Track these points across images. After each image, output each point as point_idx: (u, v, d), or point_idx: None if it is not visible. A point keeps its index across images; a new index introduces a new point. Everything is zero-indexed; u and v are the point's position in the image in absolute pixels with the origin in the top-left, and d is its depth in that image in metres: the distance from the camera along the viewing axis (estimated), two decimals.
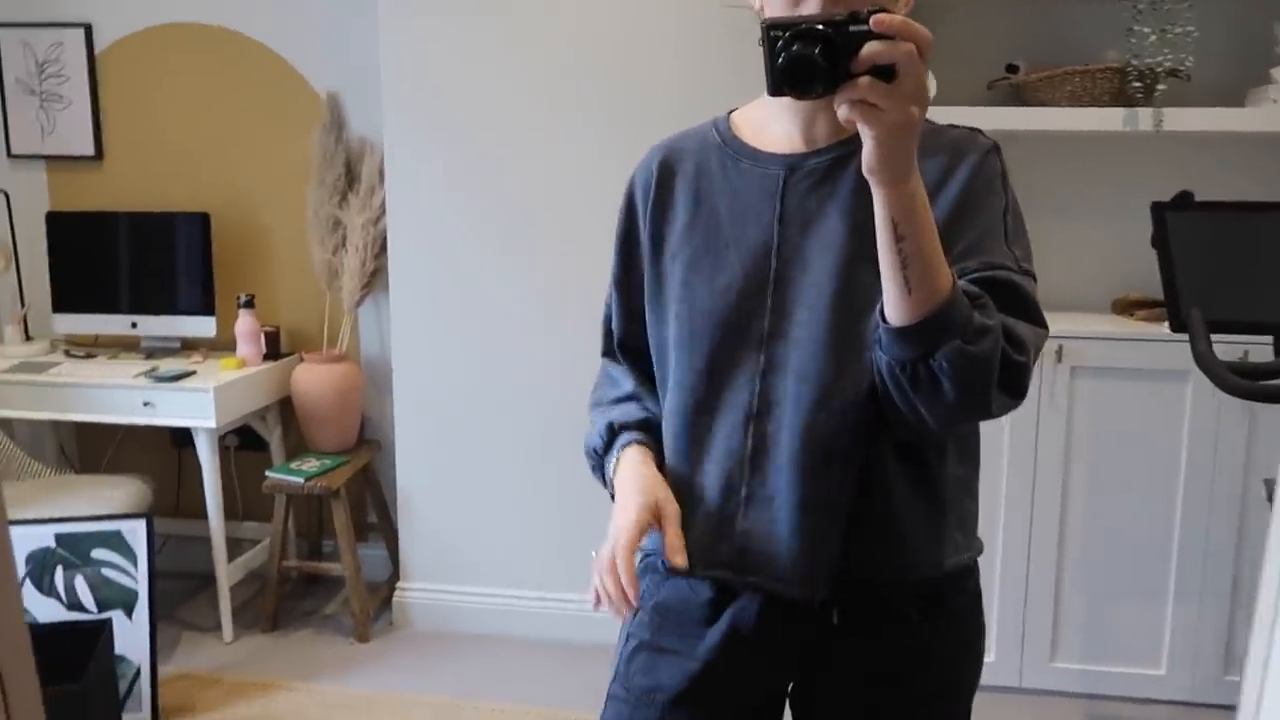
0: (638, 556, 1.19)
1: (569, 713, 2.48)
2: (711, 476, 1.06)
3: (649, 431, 1.13)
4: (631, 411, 1.15)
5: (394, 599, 2.99)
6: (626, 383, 1.19)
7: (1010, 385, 0.94)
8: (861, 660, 1.07)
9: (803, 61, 0.83)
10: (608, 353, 1.24)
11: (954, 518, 1.07)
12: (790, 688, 1.14)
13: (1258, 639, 0.47)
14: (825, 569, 1.02)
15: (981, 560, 1.13)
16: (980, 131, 1.06)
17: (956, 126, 1.06)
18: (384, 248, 2.93)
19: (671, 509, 1.04)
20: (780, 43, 0.84)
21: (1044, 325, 0.99)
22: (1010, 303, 0.95)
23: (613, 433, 1.13)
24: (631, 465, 1.08)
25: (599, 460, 1.14)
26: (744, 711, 1.12)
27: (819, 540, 1.02)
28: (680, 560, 1.01)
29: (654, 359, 1.14)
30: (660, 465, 1.10)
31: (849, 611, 1.05)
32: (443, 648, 2.86)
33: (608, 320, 1.22)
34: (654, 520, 1.03)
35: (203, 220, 3.03)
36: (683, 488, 1.07)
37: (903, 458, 1.02)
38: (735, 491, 1.05)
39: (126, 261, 3.10)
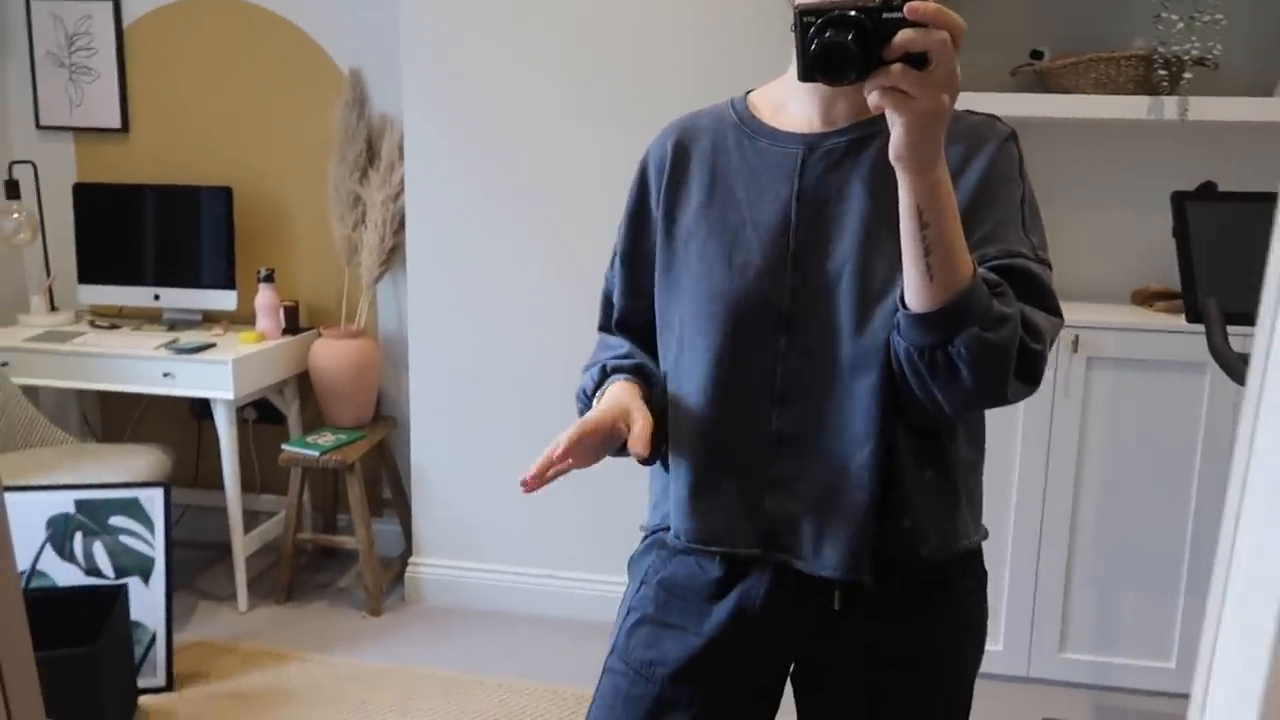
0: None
1: (576, 689, 2.51)
2: (735, 456, 1.06)
3: (643, 376, 1.12)
4: (627, 358, 1.14)
5: (406, 574, 3.02)
6: (623, 347, 1.18)
7: (1026, 373, 0.94)
8: (866, 640, 1.07)
9: (836, 48, 0.83)
10: (604, 328, 1.23)
11: (965, 499, 1.08)
12: (793, 666, 1.14)
13: (1208, 628, 0.47)
14: (854, 547, 1.02)
15: (992, 549, 1.13)
16: (998, 118, 1.05)
17: (974, 113, 1.05)
18: (403, 224, 2.94)
19: (642, 413, 1.03)
20: (813, 29, 0.84)
21: (1059, 314, 0.99)
22: (1027, 291, 0.96)
23: (604, 374, 1.13)
24: (612, 391, 1.08)
25: (588, 403, 1.13)
26: (744, 689, 1.13)
27: (846, 519, 1.02)
28: (640, 448, 1.00)
29: (661, 339, 1.13)
30: (648, 404, 1.09)
31: (855, 592, 1.05)
32: (453, 623, 2.89)
33: (608, 295, 1.21)
34: (621, 421, 1.03)
35: (226, 194, 3.06)
36: (705, 467, 1.07)
37: (916, 440, 1.02)
38: (761, 472, 1.05)
39: (151, 234, 3.14)
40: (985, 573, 1.13)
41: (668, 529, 1.12)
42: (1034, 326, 0.94)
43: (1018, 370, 0.93)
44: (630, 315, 1.18)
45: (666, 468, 1.13)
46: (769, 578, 1.07)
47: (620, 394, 1.08)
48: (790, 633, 1.09)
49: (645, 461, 1.07)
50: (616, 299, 1.19)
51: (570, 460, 1.00)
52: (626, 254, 1.16)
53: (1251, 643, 0.41)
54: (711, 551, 1.08)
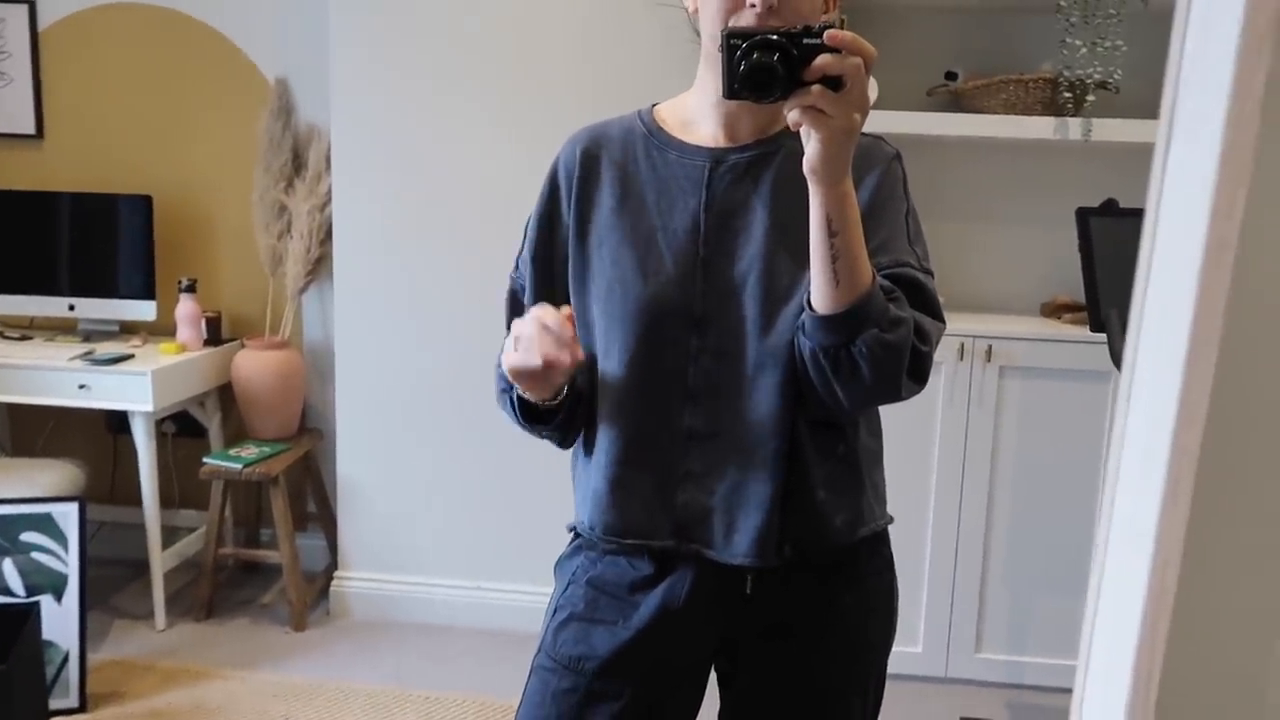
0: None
1: (504, 700, 2.50)
2: (649, 453, 1.10)
3: None
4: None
5: (332, 588, 2.98)
6: None
7: (916, 372, 1.03)
8: (778, 619, 1.13)
9: (763, 69, 0.90)
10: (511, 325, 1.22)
11: (869, 486, 1.15)
12: (715, 653, 1.18)
13: (1087, 621, 0.52)
14: (762, 535, 1.07)
15: (911, 555, 1.20)
16: (883, 139, 1.13)
17: (863, 134, 1.11)
18: (329, 234, 2.92)
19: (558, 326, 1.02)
20: (740, 51, 0.91)
21: (943, 319, 1.08)
22: (915, 298, 1.04)
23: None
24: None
25: (507, 386, 1.13)
26: (670, 679, 1.16)
27: (754, 509, 1.07)
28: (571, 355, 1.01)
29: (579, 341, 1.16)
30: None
31: (766, 574, 1.10)
32: (379, 637, 2.86)
33: (514, 294, 1.21)
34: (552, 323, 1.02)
35: (145, 202, 3.00)
36: (621, 463, 1.11)
37: (821, 433, 1.09)
38: (675, 468, 1.10)
39: (66, 242, 3.05)
40: (891, 555, 1.20)
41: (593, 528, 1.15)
42: (922, 330, 1.02)
43: (909, 369, 1.01)
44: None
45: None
46: (693, 574, 1.11)
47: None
48: (712, 622, 1.14)
49: (563, 444, 1.13)
50: (528, 296, 1.19)
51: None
52: (536, 253, 1.18)
53: (1127, 596, 0.45)
54: (626, 544, 1.12)
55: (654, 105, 1.18)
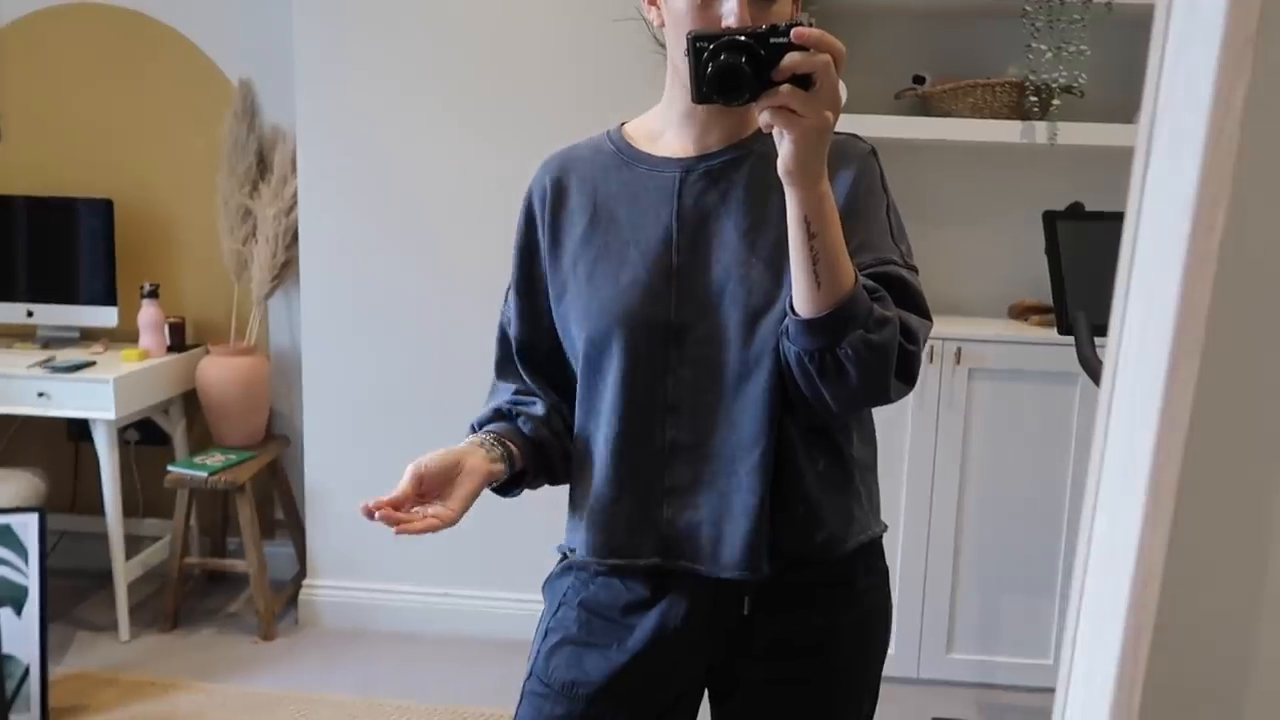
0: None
1: (475, 709, 2.48)
2: (633, 468, 1.09)
3: (498, 417, 1.15)
4: (498, 416, 1.16)
5: (300, 597, 2.95)
6: (502, 396, 1.19)
7: (904, 372, 1.01)
8: (775, 637, 1.11)
9: (730, 71, 0.89)
10: (501, 369, 1.22)
11: (863, 495, 1.13)
12: (710, 674, 1.17)
13: (1073, 599, 0.52)
14: (751, 546, 1.05)
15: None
16: (858, 136, 1.11)
17: (836, 133, 1.11)
18: (295, 239, 2.88)
19: (467, 481, 1.06)
20: (707, 53, 0.90)
21: (929, 317, 1.05)
22: (900, 296, 1.02)
23: (471, 431, 1.15)
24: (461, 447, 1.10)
25: None
26: (665, 702, 1.15)
27: (740, 521, 1.05)
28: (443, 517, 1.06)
29: (569, 363, 1.15)
30: (513, 441, 1.12)
31: (764, 592, 1.08)
32: (349, 646, 2.83)
33: (503, 330, 1.21)
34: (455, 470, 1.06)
35: (106, 206, 2.95)
36: (605, 481, 1.10)
37: (812, 441, 1.07)
38: (658, 483, 1.08)
39: (23, 247, 2.99)
40: (886, 568, 1.18)
41: None
42: (909, 329, 1.00)
43: (897, 370, 0.99)
44: (532, 343, 1.18)
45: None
46: (688, 593, 1.09)
47: (464, 449, 1.08)
48: (708, 642, 1.12)
49: (553, 483, 1.13)
50: (514, 330, 1.18)
51: (432, 510, 1.05)
52: (519, 285, 1.18)
53: (1110, 606, 0.45)
54: (611, 564, 1.11)
55: (622, 124, 1.17)
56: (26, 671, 2.36)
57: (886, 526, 1.18)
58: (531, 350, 1.18)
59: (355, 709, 2.50)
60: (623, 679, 1.11)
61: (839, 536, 1.10)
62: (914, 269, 1.06)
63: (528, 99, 2.68)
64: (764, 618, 1.10)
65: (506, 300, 1.20)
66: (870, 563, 1.15)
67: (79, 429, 2.97)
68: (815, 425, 1.07)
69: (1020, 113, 2.55)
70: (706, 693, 1.19)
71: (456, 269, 2.76)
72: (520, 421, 1.14)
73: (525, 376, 1.18)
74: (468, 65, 2.70)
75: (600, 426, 1.10)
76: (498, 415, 1.16)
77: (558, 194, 1.14)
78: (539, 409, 1.16)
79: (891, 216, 1.08)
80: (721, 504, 1.06)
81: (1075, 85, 2.50)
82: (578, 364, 1.12)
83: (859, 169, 1.07)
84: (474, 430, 1.15)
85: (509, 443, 1.11)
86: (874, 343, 0.96)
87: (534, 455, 1.13)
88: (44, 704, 2.37)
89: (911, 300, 1.03)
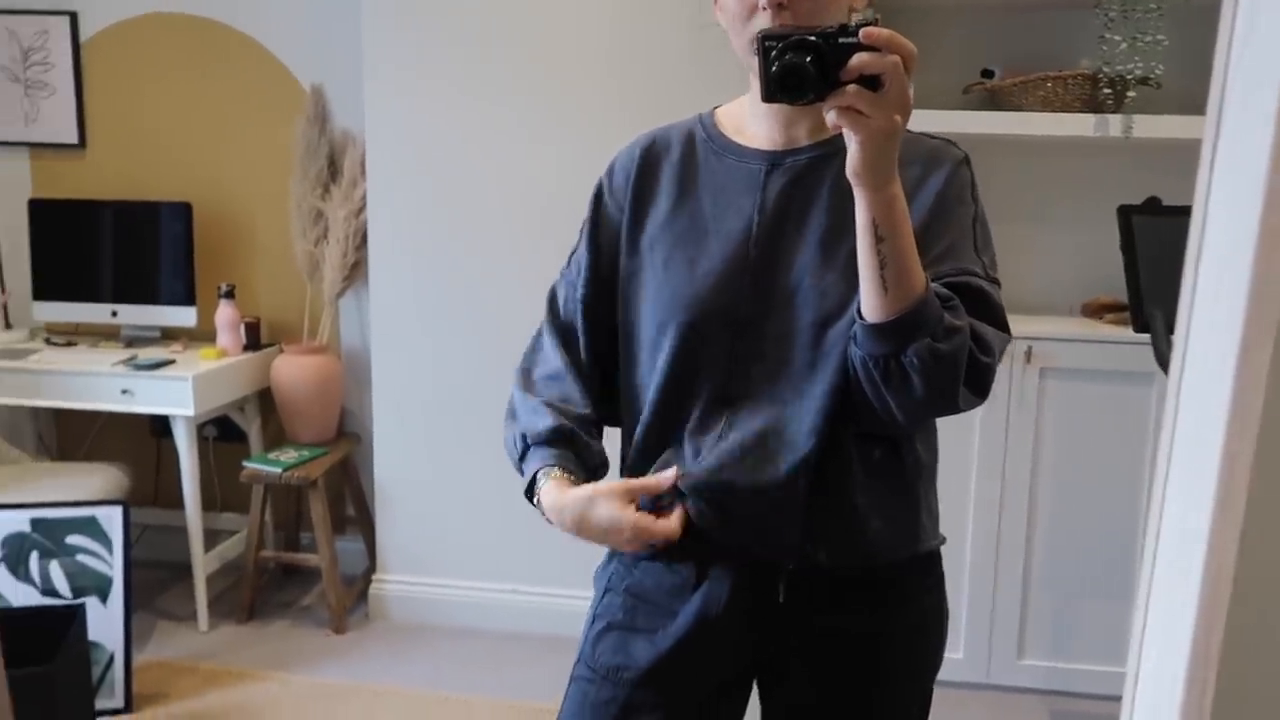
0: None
1: (540, 705, 2.50)
2: (688, 456, 1.09)
3: (560, 441, 1.14)
4: (542, 419, 1.15)
5: (370, 591, 3.01)
6: (554, 360, 1.19)
7: (976, 384, 0.99)
8: (824, 635, 1.10)
9: (795, 70, 0.88)
10: (552, 324, 1.22)
11: (922, 503, 1.12)
12: (757, 663, 1.16)
13: (1140, 596, 0.51)
14: (795, 545, 1.05)
15: (950, 557, 1.17)
16: (953, 143, 1.10)
17: (933, 137, 1.10)
18: (365, 240, 2.95)
19: (620, 485, 1.08)
20: (774, 52, 0.90)
21: (1008, 330, 1.03)
22: (978, 307, 1.00)
23: (525, 444, 1.16)
24: (557, 497, 1.10)
25: (517, 464, 1.18)
26: (708, 689, 1.15)
27: (787, 519, 1.05)
28: (671, 477, 1.06)
29: (623, 344, 1.16)
30: (574, 473, 1.13)
31: (811, 586, 1.08)
32: (417, 640, 2.88)
33: (555, 291, 1.22)
34: (623, 495, 1.06)
35: (185, 210, 3.04)
36: (659, 466, 1.10)
37: (874, 447, 1.06)
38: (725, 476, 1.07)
39: (109, 250, 3.11)
40: (943, 574, 1.17)
41: None
42: (984, 340, 0.98)
43: (967, 381, 0.97)
44: (596, 302, 1.17)
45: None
46: (730, 583, 1.09)
47: (573, 502, 1.09)
48: (752, 631, 1.12)
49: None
50: (581, 289, 1.18)
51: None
52: (593, 245, 1.17)
53: (1180, 604, 0.44)
54: (674, 551, 1.10)
55: (715, 108, 1.17)
56: (111, 659, 2.45)
57: (945, 539, 1.17)
58: (594, 309, 1.17)
59: (422, 702, 2.54)
60: (667, 664, 1.11)
61: (893, 543, 1.08)
62: (996, 281, 1.04)
63: (593, 100, 2.70)
64: (810, 615, 1.09)
65: (569, 264, 1.21)
66: (926, 566, 1.14)
67: (160, 425, 3.08)
68: (878, 432, 1.05)
69: (1093, 106, 2.48)
70: (756, 686, 1.18)
71: (522, 269, 2.79)
72: (581, 448, 1.15)
73: (581, 343, 1.18)
74: (533, 68, 2.72)
75: (658, 412, 1.11)
76: (559, 439, 1.14)
77: (645, 171, 1.15)
78: (587, 412, 1.16)
79: (977, 227, 1.06)
80: (772, 499, 1.05)
81: (1152, 76, 2.42)
82: (634, 344, 1.13)
83: (948, 176, 1.06)
84: (527, 441, 1.15)
85: (574, 471, 1.13)
86: (941, 352, 0.94)
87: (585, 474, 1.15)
88: (128, 690, 2.46)
89: (990, 312, 1.01)
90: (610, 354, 1.17)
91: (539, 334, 1.24)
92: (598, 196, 1.19)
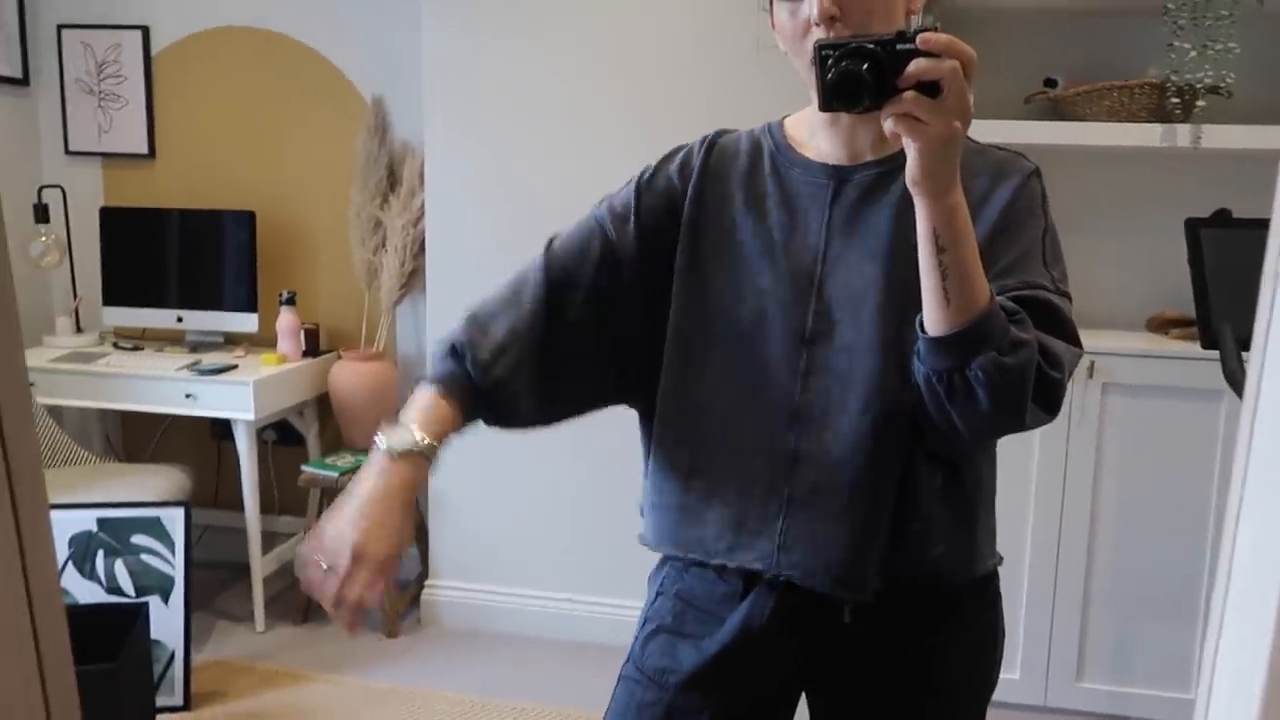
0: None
1: (588, 713, 2.50)
2: (750, 472, 1.07)
3: (458, 395, 1.07)
4: (457, 368, 1.08)
5: (423, 597, 3.04)
6: (527, 296, 1.13)
7: (1045, 400, 0.96)
8: (876, 653, 1.09)
9: (850, 77, 0.88)
10: (548, 254, 1.18)
11: (981, 525, 1.10)
12: (805, 677, 1.15)
13: (1211, 626, 0.49)
14: (866, 569, 1.04)
15: (1008, 576, 1.14)
16: (1023, 155, 1.08)
17: (1002, 148, 1.08)
18: (422, 249, 2.99)
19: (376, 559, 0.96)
20: (830, 60, 0.89)
21: (1079, 344, 1.01)
22: (1047, 322, 0.98)
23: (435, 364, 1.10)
24: (383, 479, 1.01)
25: (434, 366, 1.10)
26: (753, 699, 1.14)
27: (859, 540, 1.03)
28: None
29: (673, 347, 1.12)
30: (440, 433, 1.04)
31: (866, 609, 1.06)
32: (469, 646, 2.90)
33: (557, 239, 1.18)
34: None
35: (249, 218, 3.11)
36: (717, 481, 1.09)
37: (936, 465, 1.04)
38: (777, 490, 1.06)
39: (175, 257, 3.19)
40: (999, 592, 1.14)
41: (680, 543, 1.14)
42: (1053, 355, 0.96)
43: (1036, 397, 0.95)
44: (572, 269, 1.14)
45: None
46: (776, 594, 1.08)
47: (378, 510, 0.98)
48: (800, 644, 1.10)
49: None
50: (574, 251, 1.15)
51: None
52: (640, 217, 1.12)
53: (1254, 631, 0.42)
54: (713, 566, 1.10)
55: (784, 118, 1.16)
56: (172, 657, 2.51)
57: (1002, 559, 1.14)
58: (565, 271, 1.13)
59: (471, 708, 2.56)
60: (711, 671, 1.10)
61: (953, 565, 1.06)
62: (1066, 295, 1.02)
63: (652, 115, 2.71)
64: (864, 630, 1.08)
65: (601, 206, 1.17)
66: (981, 586, 1.12)
67: (222, 428, 3.14)
68: (941, 452, 1.03)
69: (1161, 115, 2.42)
70: (806, 699, 1.17)
71: None
72: (479, 378, 1.08)
73: (556, 277, 1.13)
74: (591, 80, 2.74)
75: (719, 423, 1.09)
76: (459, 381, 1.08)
77: (712, 171, 1.13)
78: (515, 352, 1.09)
79: (1047, 240, 1.04)
80: (835, 519, 1.04)
81: (1222, 85, 2.36)
82: (696, 353, 1.10)
83: (1018, 188, 1.04)
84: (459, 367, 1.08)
85: (453, 412, 1.06)
86: (1007, 366, 0.91)
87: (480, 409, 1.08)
88: (187, 688, 2.51)
89: (1059, 326, 0.98)
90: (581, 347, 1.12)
91: (534, 260, 1.19)
92: (660, 173, 1.14)
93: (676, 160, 1.16)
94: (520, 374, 1.08)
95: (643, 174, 1.17)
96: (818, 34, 0.98)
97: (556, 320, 1.11)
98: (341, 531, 0.97)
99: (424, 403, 1.06)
